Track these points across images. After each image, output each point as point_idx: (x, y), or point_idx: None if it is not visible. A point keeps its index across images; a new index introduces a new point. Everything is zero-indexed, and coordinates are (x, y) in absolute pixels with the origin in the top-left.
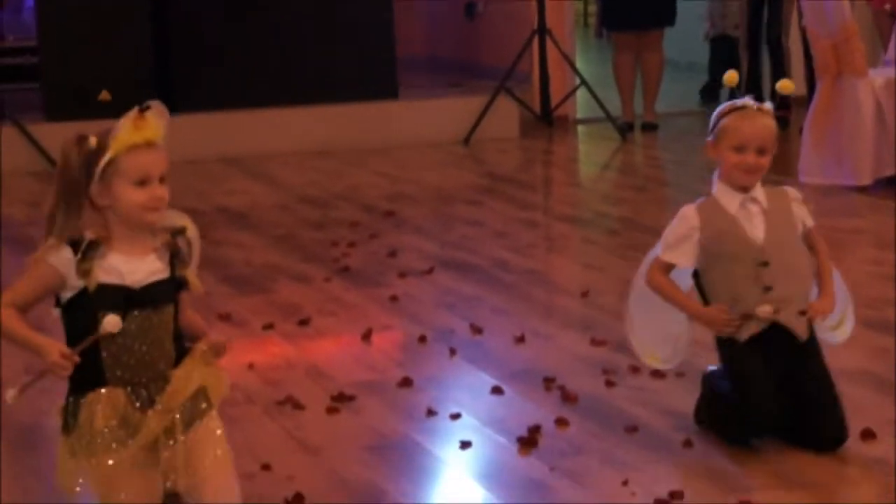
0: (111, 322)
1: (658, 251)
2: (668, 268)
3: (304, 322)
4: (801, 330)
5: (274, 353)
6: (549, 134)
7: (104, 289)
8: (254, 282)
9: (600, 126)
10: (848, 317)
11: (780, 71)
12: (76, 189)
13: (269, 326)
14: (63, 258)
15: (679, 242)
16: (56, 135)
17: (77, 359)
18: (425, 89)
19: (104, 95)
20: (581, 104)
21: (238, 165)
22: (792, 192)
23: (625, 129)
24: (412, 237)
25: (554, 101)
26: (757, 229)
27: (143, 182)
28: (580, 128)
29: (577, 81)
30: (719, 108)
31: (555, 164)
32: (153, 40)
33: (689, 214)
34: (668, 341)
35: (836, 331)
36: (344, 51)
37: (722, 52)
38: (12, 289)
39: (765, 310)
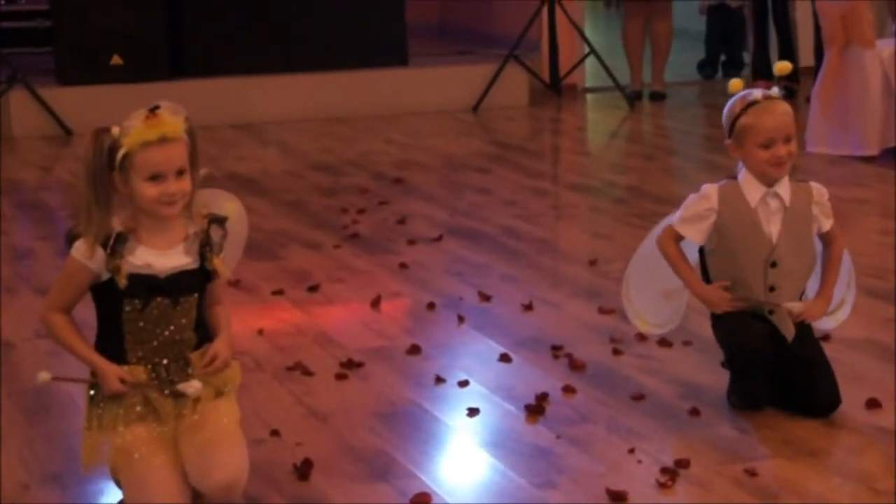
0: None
1: (673, 218)
2: (679, 238)
3: (313, 288)
4: (787, 330)
5: (283, 320)
6: (558, 102)
7: (131, 277)
8: (264, 248)
9: (609, 95)
10: (846, 303)
11: (787, 43)
12: (101, 181)
13: (278, 292)
14: (97, 259)
15: (694, 219)
16: (68, 99)
17: (131, 383)
18: (435, 57)
19: (116, 60)
20: (590, 73)
21: (248, 131)
22: (817, 191)
23: (633, 98)
24: (421, 204)
25: (563, 69)
26: (773, 227)
27: (155, 177)
28: (589, 96)
29: (586, 50)
30: (729, 107)
31: (563, 133)
32: (165, 5)
33: (710, 195)
34: (663, 308)
35: (829, 316)
36: (354, 17)
37: (718, 23)
38: (54, 294)
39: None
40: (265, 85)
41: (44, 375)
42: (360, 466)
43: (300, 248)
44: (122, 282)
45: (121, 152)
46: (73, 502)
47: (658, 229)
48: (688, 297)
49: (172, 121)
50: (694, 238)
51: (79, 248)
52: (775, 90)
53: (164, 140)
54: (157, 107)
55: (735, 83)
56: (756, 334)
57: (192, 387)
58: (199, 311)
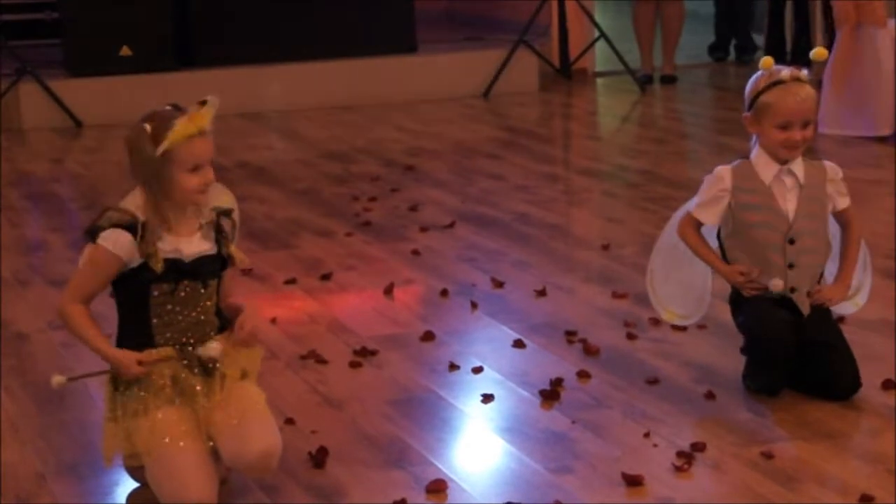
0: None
1: (690, 205)
2: (699, 224)
3: (326, 277)
4: (805, 308)
5: (296, 308)
6: (569, 87)
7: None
8: (276, 237)
9: (619, 79)
10: (863, 288)
11: (803, 23)
12: (153, 170)
13: (291, 281)
14: (125, 245)
15: (710, 203)
16: (77, 90)
17: (153, 361)
18: (444, 43)
19: (125, 51)
20: (600, 57)
21: (258, 121)
22: (831, 169)
23: (644, 82)
24: (433, 191)
25: (573, 54)
26: (789, 203)
27: (196, 168)
28: (599, 80)
29: (596, 34)
30: (754, 81)
31: (574, 118)
32: None
33: (723, 176)
34: (688, 297)
35: (848, 302)
36: (362, 5)
37: (726, 5)
38: (75, 284)
39: (776, 284)
40: (274, 74)
41: (58, 379)
42: (376, 454)
43: (312, 236)
44: (159, 266)
45: (162, 147)
46: (90, 493)
47: (676, 217)
48: (711, 284)
49: (209, 113)
50: (711, 221)
51: (109, 238)
52: (804, 71)
53: (203, 132)
54: (205, 101)
55: (767, 60)
56: (780, 324)
57: (214, 348)
58: (219, 295)
